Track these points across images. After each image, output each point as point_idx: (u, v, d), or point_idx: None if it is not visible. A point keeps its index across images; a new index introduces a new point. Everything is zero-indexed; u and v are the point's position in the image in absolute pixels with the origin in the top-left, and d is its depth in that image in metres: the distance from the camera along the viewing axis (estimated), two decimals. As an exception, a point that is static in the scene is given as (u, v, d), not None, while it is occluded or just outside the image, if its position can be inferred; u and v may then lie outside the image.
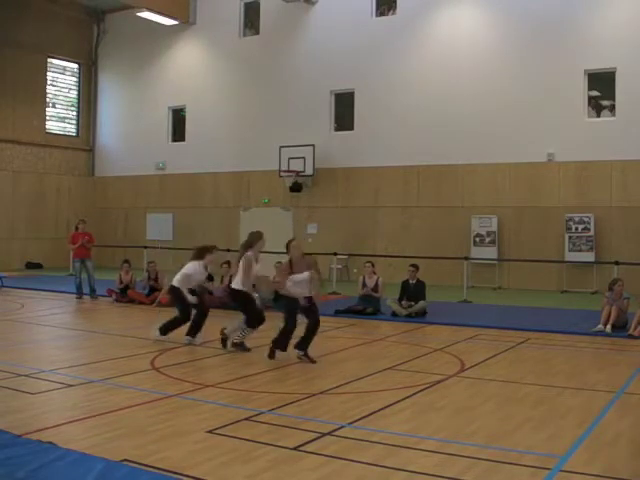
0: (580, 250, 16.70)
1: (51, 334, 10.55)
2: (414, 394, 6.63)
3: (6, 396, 6.33)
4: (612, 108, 17.07)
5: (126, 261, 14.74)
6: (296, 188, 20.32)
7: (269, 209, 20.87)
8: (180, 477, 4.34)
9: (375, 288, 12.43)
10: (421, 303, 12.14)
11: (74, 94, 25.53)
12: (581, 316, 12.06)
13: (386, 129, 19.41)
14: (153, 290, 14.03)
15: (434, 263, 16.69)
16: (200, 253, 9.90)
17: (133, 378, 7.20)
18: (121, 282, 14.44)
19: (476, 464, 4.66)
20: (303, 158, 19.89)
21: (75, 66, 25.43)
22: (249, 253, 8.79)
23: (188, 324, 9.48)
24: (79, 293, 14.75)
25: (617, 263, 13.75)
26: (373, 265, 12.75)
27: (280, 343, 8.33)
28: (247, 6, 22.47)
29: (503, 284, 17.79)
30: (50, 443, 4.80)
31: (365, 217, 19.70)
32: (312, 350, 8.95)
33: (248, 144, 21.64)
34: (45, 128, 24.30)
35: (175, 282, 9.61)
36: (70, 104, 25.49)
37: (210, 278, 13.86)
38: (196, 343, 9.24)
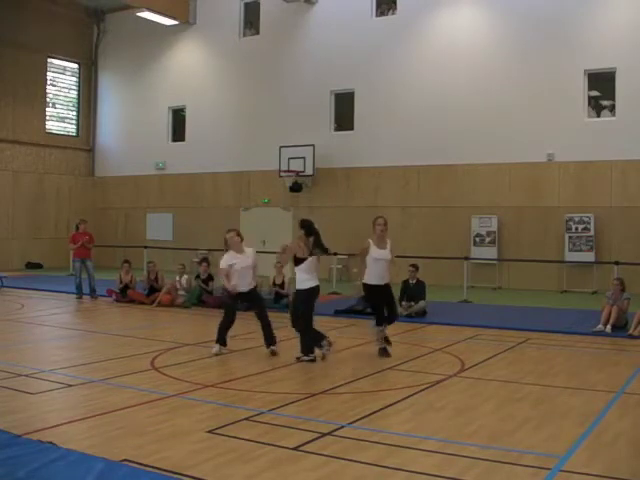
0: (580, 250, 16.69)
1: (51, 334, 10.55)
2: (414, 394, 6.63)
3: (6, 396, 6.33)
4: (612, 108, 17.07)
5: (126, 261, 14.74)
6: (296, 188, 20.32)
7: (269, 209, 20.88)
8: (180, 477, 4.34)
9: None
10: (421, 303, 12.14)
11: (74, 94, 25.53)
12: (581, 316, 12.05)
13: (386, 129, 19.41)
14: (153, 290, 14.04)
15: (434, 263, 16.68)
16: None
17: (133, 378, 7.20)
18: (121, 282, 14.44)
19: (476, 464, 4.66)
20: (303, 158, 19.89)
21: (75, 66, 25.43)
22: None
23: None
24: (79, 293, 14.74)
25: (617, 263, 13.74)
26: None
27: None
28: (247, 6, 22.47)
29: (503, 284, 17.78)
30: (50, 443, 4.80)
31: (365, 217, 19.58)
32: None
33: (248, 144, 21.64)
34: (45, 128, 24.30)
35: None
36: (70, 104, 25.50)
37: (210, 278, 13.89)
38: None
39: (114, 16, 25.11)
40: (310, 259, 8.30)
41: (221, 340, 8.70)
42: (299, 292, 8.39)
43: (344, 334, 10.11)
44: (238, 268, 8.65)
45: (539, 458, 4.80)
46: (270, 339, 8.71)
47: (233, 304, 8.87)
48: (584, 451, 4.96)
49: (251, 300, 8.93)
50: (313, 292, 8.37)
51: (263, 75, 21.61)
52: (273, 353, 8.60)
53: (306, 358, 8.22)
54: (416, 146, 18.96)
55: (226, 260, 8.72)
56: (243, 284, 8.70)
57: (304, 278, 8.30)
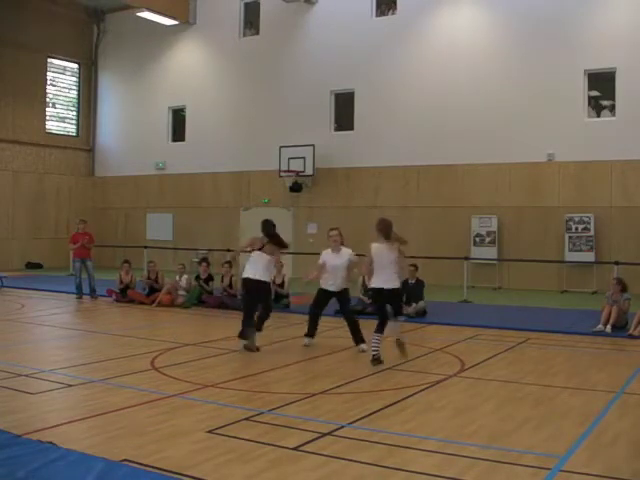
0: (580, 250, 16.69)
1: (51, 334, 10.55)
2: (414, 394, 6.63)
3: (6, 396, 6.33)
4: (612, 108, 17.07)
5: (126, 261, 14.73)
6: (296, 188, 20.33)
7: (269, 209, 20.85)
8: (180, 477, 4.34)
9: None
10: (421, 303, 12.14)
11: (74, 94, 25.53)
12: (581, 316, 12.05)
13: (386, 129, 19.41)
14: (153, 290, 14.04)
15: (434, 263, 16.67)
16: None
17: (133, 378, 7.19)
18: (121, 282, 14.44)
19: (476, 464, 4.66)
20: (303, 158, 19.89)
21: (75, 66, 25.43)
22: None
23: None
24: (79, 293, 14.74)
25: (617, 263, 13.74)
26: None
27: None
28: (247, 6, 22.47)
29: (503, 284, 17.78)
30: (50, 443, 4.80)
31: (365, 217, 19.64)
32: (313, 350, 8.99)
33: (248, 144, 21.64)
34: (45, 128, 24.30)
35: (261, 276, 9.02)
36: (70, 104, 25.50)
37: (210, 278, 13.89)
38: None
39: (114, 16, 25.12)
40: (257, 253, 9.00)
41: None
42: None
43: (344, 334, 10.10)
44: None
45: (539, 458, 4.80)
46: (357, 337, 9.05)
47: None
48: (584, 451, 4.95)
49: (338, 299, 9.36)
50: (244, 283, 9.04)
51: (263, 75, 21.61)
52: (362, 351, 8.80)
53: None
54: (416, 146, 18.96)
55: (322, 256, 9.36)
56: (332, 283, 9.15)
57: (246, 268, 9.02)
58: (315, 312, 9.32)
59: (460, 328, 10.98)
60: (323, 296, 9.25)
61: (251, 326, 8.92)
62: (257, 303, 9.11)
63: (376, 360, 7.99)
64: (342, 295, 9.22)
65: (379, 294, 8.23)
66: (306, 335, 9.27)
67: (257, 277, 8.85)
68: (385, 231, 8.23)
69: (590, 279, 16.61)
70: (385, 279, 8.12)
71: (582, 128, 17.00)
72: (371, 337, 8.21)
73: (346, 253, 9.19)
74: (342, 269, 9.09)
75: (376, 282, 8.19)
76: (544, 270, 16.91)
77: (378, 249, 8.19)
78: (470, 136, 18.12)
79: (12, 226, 23.11)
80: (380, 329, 8.15)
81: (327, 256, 9.23)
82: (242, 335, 8.87)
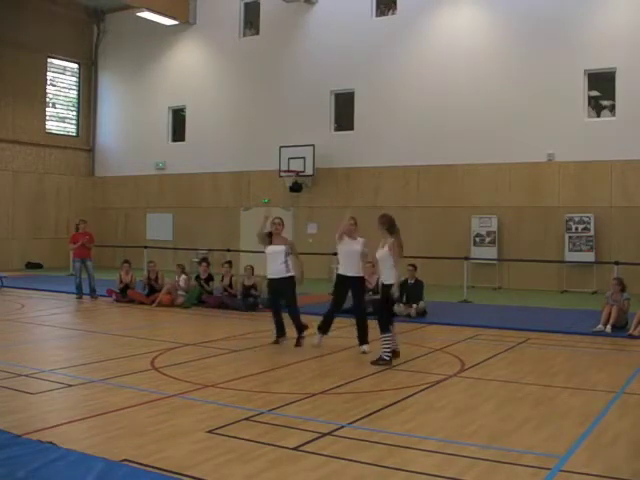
0: (580, 250, 16.70)
1: (51, 334, 10.55)
2: (414, 394, 6.63)
3: (6, 396, 6.33)
4: (612, 108, 17.07)
5: (126, 261, 14.73)
6: (296, 188, 20.33)
7: (269, 209, 20.83)
8: (180, 477, 4.34)
9: (376, 288, 12.39)
10: (421, 304, 12.14)
11: (74, 94, 25.54)
12: (581, 316, 12.05)
13: (386, 129, 19.41)
14: (153, 290, 14.04)
15: (434, 263, 16.67)
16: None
17: (133, 378, 7.19)
18: (121, 282, 14.43)
19: (476, 464, 4.66)
20: (303, 158, 19.90)
21: (75, 66, 25.44)
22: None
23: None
24: (79, 293, 14.74)
25: (617, 263, 13.74)
26: (374, 265, 12.71)
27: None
28: (247, 6, 22.48)
29: (503, 284, 17.78)
30: (50, 443, 4.80)
31: (365, 217, 19.56)
32: (313, 350, 8.98)
33: (248, 144, 21.65)
34: (45, 128, 24.31)
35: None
36: (70, 104, 25.50)
37: (210, 278, 13.89)
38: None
39: (114, 16, 25.12)
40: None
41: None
42: None
43: (344, 334, 10.10)
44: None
45: (539, 458, 4.80)
46: (363, 338, 8.91)
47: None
48: (584, 451, 4.95)
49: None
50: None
51: (263, 75, 21.61)
52: (363, 352, 8.72)
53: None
54: (416, 146, 18.96)
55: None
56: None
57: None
58: (332, 311, 9.24)
59: (460, 328, 10.97)
60: (341, 284, 9.11)
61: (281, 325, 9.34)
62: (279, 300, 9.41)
63: (386, 361, 7.97)
64: (358, 283, 9.10)
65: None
66: (319, 329, 9.18)
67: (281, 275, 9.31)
68: (390, 224, 8.26)
69: (590, 279, 16.61)
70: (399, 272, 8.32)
71: (582, 128, 17.01)
72: (382, 338, 8.12)
73: (361, 241, 9.15)
74: (357, 255, 9.03)
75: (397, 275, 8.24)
76: (544, 270, 16.91)
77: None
78: (470, 136, 18.12)
79: (12, 226, 23.11)
80: (388, 327, 8.15)
81: (344, 243, 9.14)
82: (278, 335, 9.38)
